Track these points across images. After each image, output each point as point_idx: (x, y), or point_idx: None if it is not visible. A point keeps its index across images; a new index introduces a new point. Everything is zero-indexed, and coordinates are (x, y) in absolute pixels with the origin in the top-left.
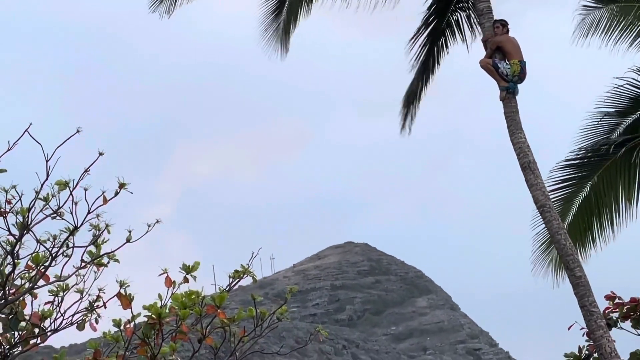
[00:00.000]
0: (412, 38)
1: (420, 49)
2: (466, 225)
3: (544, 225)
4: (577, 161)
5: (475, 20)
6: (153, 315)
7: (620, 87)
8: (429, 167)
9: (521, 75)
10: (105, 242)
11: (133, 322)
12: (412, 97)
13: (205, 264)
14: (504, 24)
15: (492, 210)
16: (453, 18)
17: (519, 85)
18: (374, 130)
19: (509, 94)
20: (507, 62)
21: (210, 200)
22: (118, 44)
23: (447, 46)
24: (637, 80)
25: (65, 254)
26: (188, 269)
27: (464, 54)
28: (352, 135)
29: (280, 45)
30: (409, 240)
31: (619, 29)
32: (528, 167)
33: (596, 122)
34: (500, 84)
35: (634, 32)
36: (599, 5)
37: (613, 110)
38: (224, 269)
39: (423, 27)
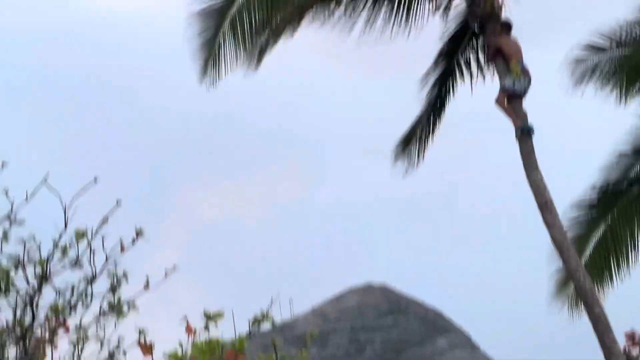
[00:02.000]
0: (424, 78)
1: (429, 89)
2: (481, 263)
3: (561, 263)
4: (593, 200)
5: (483, 60)
6: None
7: (636, 128)
8: (437, 207)
9: (525, 73)
10: (120, 288)
11: None
12: (415, 138)
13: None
14: (504, 26)
15: (505, 248)
16: (462, 59)
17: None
18: (381, 169)
19: (524, 134)
20: (508, 69)
21: (219, 244)
22: (123, 90)
23: (454, 88)
24: None
25: (84, 303)
26: (210, 317)
27: (479, 88)
28: (358, 175)
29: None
30: (424, 279)
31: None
32: (545, 206)
33: (614, 162)
34: (515, 124)
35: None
36: (594, 52)
37: (629, 149)
38: (240, 313)
39: (433, 67)
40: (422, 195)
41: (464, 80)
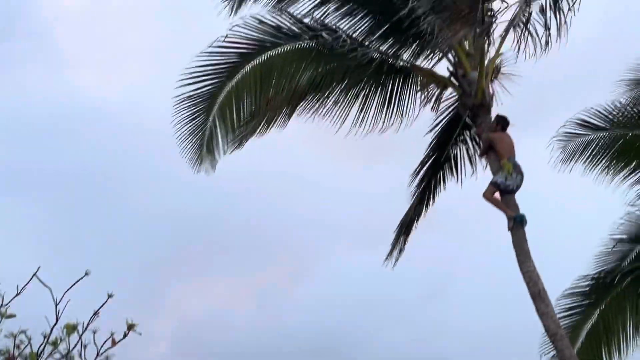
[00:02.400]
0: (415, 171)
1: (420, 181)
2: (472, 354)
3: (553, 353)
4: (586, 289)
5: (473, 153)
6: None
7: (631, 214)
8: (424, 296)
9: (517, 170)
10: None
11: None
12: (404, 229)
13: None
14: (500, 121)
15: (493, 338)
16: (452, 152)
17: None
18: (369, 261)
19: (516, 224)
20: (499, 166)
21: (209, 338)
22: (113, 185)
23: (444, 180)
24: None
25: None
26: None
27: (466, 182)
28: (346, 267)
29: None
30: None
31: (604, 157)
32: (538, 295)
33: (608, 251)
34: (507, 214)
35: (620, 165)
36: (583, 132)
37: (626, 237)
38: None
39: (425, 159)
40: (413, 286)
41: (457, 171)
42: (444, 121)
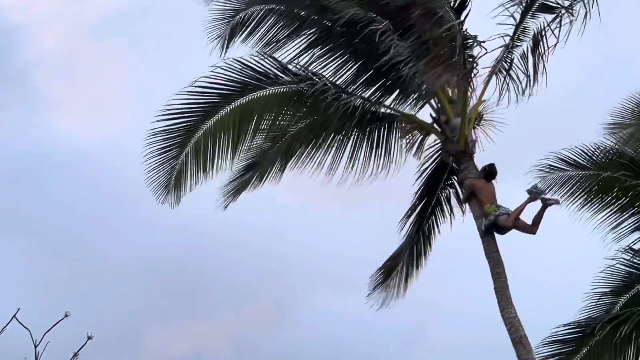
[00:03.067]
0: (406, 215)
1: (410, 226)
2: None
3: None
4: (565, 337)
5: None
6: None
7: (612, 267)
8: (403, 341)
9: (501, 207)
10: None
11: None
12: (395, 272)
13: None
14: (486, 170)
15: None
16: (443, 196)
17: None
18: (349, 305)
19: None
20: (482, 212)
21: None
22: (90, 229)
23: (437, 225)
24: (627, 260)
25: None
26: None
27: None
28: (327, 310)
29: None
30: None
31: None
32: (520, 342)
33: (594, 302)
34: (526, 203)
35: (598, 205)
36: (564, 167)
37: (608, 290)
38: None
39: (415, 204)
40: (391, 331)
41: (443, 217)
42: (431, 166)
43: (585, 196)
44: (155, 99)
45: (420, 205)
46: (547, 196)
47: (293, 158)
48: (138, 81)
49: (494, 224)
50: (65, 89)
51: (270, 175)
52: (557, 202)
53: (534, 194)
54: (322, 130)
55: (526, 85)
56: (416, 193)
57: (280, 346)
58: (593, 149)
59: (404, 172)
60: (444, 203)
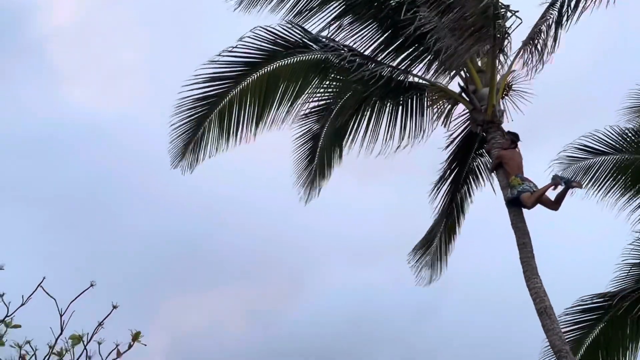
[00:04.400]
0: (435, 187)
1: (442, 197)
2: None
3: None
4: (589, 305)
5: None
6: None
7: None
8: (418, 313)
9: (526, 180)
10: None
11: None
12: (430, 245)
13: None
14: (512, 139)
15: (490, 352)
16: (475, 165)
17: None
18: (365, 277)
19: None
20: (508, 184)
21: (202, 353)
22: (106, 202)
23: (470, 194)
24: None
25: None
26: None
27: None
28: (342, 283)
29: (310, 190)
30: None
31: (608, 180)
32: (545, 312)
33: (625, 273)
34: (550, 186)
35: (622, 188)
36: (584, 157)
37: (638, 261)
38: None
39: (445, 175)
40: (407, 303)
41: (477, 184)
42: (461, 135)
43: (609, 182)
44: (169, 71)
45: (453, 175)
46: (572, 178)
47: (344, 136)
48: (153, 54)
49: (516, 199)
50: (80, 63)
51: (333, 157)
52: (579, 185)
53: (558, 180)
54: (356, 102)
55: (548, 56)
56: (446, 162)
57: (295, 319)
58: (611, 133)
59: (421, 145)
60: (477, 171)
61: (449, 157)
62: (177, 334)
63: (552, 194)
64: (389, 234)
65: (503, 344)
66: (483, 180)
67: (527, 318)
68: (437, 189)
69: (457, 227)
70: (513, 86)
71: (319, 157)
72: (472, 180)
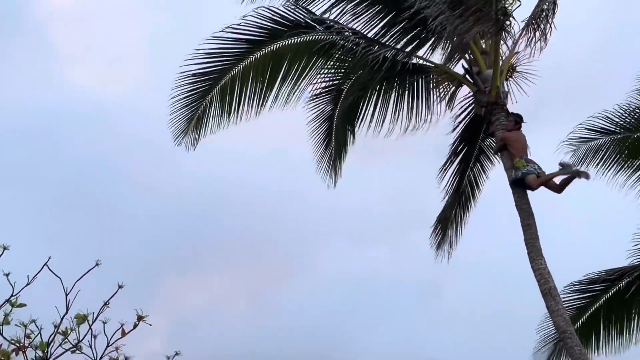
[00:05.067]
0: (443, 167)
1: (452, 177)
2: (476, 347)
3: (563, 350)
4: (595, 278)
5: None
6: None
7: None
8: (421, 293)
9: (531, 162)
10: None
11: None
12: (446, 223)
13: None
14: (517, 120)
15: (491, 330)
16: (485, 144)
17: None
18: (367, 257)
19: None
20: (512, 165)
21: (202, 334)
22: (108, 183)
23: (484, 171)
24: None
25: None
26: None
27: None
28: (343, 263)
29: (333, 173)
30: None
31: (617, 161)
32: (549, 293)
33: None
34: (560, 174)
35: (632, 167)
36: (593, 137)
37: None
38: None
39: (453, 156)
40: (410, 284)
41: (492, 163)
42: (468, 117)
43: (619, 161)
44: (172, 54)
45: (461, 155)
46: (580, 169)
47: (357, 117)
48: (155, 36)
49: (521, 180)
50: (82, 44)
51: (347, 137)
52: (587, 176)
53: (567, 167)
54: (362, 84)
55: (550, 36)
56: (453, 143)
57: (296, 299)
58: (620, 113)
59: (425, 127)
60: (489, 151)
61: (456, 138)
62: (178, 315)
63: (557, 178)
64: (391, 214)
65: (506, 325)
66: (491, 161)
67: (531, 299)
68: (445, 169)
69: (470, 204)
70: (517, 68)
71: (335, 138)
72: (483, 160)
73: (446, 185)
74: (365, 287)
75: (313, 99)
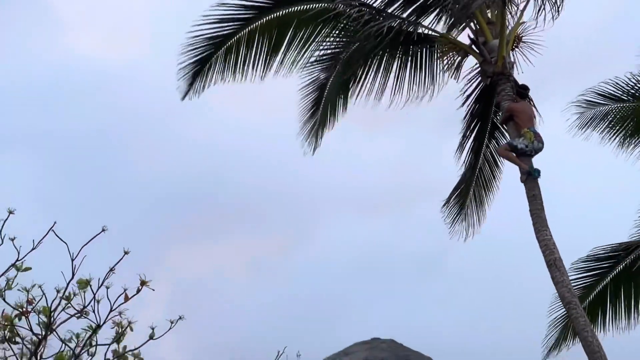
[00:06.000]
0: (460, 144)
1: (467, 154)
2: (481, 319)
3: (567, 320)
4: (602, 254)
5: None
6: None
7: None
8: (423, 266)
9: (538, 139)
10: (124, 336)
11: None
12: (464, 198)
13: None
14: (522, 91)
15: (500, 298)
16: (497, 119)
17: (537, 163)
18: (371, 227)
19: (530, 178)
20: (520, 134)
21: (204, 302)
22: (112, 149)
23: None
24: None
25: (89, 352)
26: None
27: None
28: (346, 234)
29: (314, 140)
30: (426, 335)
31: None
32: (554, 264)
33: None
34: (521, 167)
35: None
36: (602, 102)
37: None
38: None
39: (467, 132)
40: (413, 254)
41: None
42: (476, 92)
43: (626, 129)
44: (176, 21)
45: (475, 131)
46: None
47: (351, 86)
48: (157, 3)
49: (516, 148)
50: (85, 12)
51: (337, 107)
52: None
53: (530, 172)
54: (364, 53)
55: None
56: (465, 118)
57: (299, 268)
58: (632, 82)
59: (429, 98)
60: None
61: (467, 112)
62: (180, 282)
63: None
64: (395, 185)
65: (509, 295)
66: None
67: (536, 270)
68: (462, 146)
69: (493, 180)
70: (523, 38)
71: (324, 107)
72: (498, 136)
73: (464, 161)
74: (367, 258)
75: (308, 66)
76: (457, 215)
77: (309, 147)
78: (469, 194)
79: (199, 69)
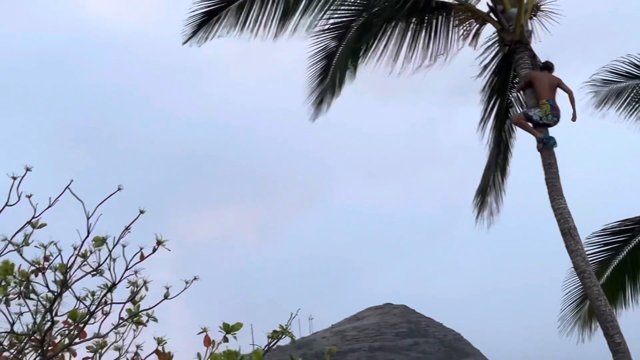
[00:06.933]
0: (481, 121)
1: (490, 131)
2: (496, 286)
3: (575, 286)
4: (618, 228)
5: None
6: None
7: None
8: (429, 234)
9: (554, 112)
10: (143, 298)
11: None
12: (489, 185)
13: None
14: (543, 66)
15: (498, 270)
16: (513, 95)
17: (555, 131)
18: (379, 195)
19: (545, 147)
20: (537, 104)
21: (218, 263)
22: (119, 115)
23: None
24: None
25: (103, 311)
26: (228, 329)
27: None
28: (355, 200)
29: (322, 107)
30: (439, 300)
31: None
32: (569, 232)
33: None
34: (536, 136)
35: None
36: (617, 80)
37: None
38: (257, 330)
39: (486, 106)
40: (420, 221)
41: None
42: (494, 63)
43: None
44: None
45: (495, 109)
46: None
47: (361, 55)
48: None
49: (530, 118)
50: None
51: (345, 77)
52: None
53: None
54: (380, 20)
55: None
56: (483, 89)
57: (306, 234)
58: None
59: (441, 67)
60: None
61: (485, 85)
62: (187, 248)
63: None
64: (404, 152)
65: (515, 265)
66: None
67: (544, 240)
68: (484, 124)
69: (507, 165)
70: (541, 7)
71: (332, 75)
72: (513, 113)
73: (487, 141)
74: (376, 224)
75: (319, 33)
76: (481, 204)
77: (314, 114)
78: (489, 179)
79: (206, 19)
